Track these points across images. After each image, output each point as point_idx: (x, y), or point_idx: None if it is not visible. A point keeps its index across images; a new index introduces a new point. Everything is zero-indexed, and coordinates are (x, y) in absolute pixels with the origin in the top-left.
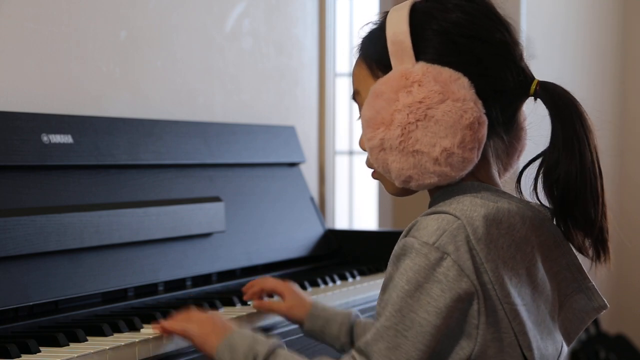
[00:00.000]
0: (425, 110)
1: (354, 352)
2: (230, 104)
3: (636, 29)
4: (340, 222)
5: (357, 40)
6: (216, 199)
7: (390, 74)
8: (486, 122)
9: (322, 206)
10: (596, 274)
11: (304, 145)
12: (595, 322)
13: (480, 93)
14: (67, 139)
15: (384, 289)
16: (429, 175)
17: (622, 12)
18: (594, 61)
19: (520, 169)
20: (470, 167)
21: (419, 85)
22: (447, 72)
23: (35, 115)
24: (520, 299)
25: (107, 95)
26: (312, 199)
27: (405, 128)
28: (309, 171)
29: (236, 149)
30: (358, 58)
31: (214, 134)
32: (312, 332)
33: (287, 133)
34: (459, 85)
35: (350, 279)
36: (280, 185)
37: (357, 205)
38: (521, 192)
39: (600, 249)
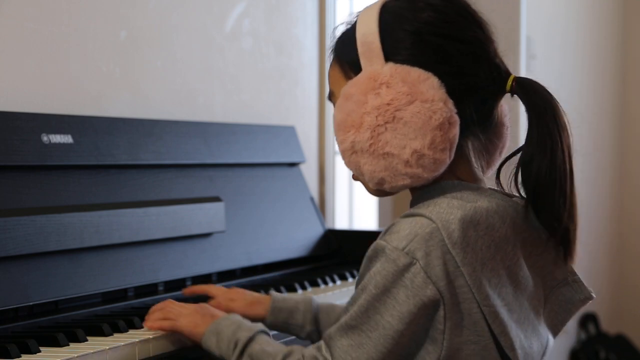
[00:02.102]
0: (394, 112)
1: (322, 342)
2: (230, 104)
3: (636, 29)
4: (340, 222)
5: (332, 41)
6: (216, 199)
7: (359, 75)
8: (458, 122)
9: (322, 206)
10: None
11: (304, 145)
12: (595, 322)
13: (452, 92)
14: (67, 139)
15: (356, 285)
16: (401, 177)
17: (622, 12)
18: (594, 61)
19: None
20: (442, 168)
21: (387, 86)
22: (415, 73)
23: (35, 115)
24: (500, 299)
25: (107, 95)
26: (312, 199)
27: (374, 130)
28: (309, 171)
29: (236, 149)
30: (332, 59)
31: (214, 134)
32: (275, 325)
33: (287, 133)
34: (428, 85)
35: (350, 279)
36: (280, 185)
37: (357, 205)
38: (502, 187)
39: (564, 248)
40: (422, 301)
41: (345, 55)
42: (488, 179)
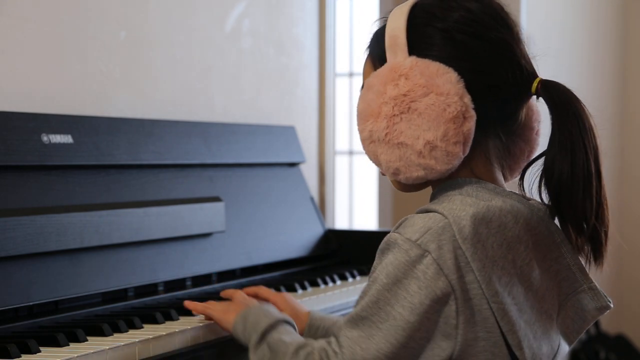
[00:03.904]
0: (409, 103)
1: (332, 337)
2: (231, 104)
3: (636, 28)
4: (340, 222)
5: (367, 37)
6: (216, 199)
7: (382, 67)
8: (473, 117)
9: (322, 206)
10: (590, 273)
11: (304, 145)
12: (595, 322)
13: (471, 88)
14: (67, 139)
15: (369, 279)
16: (414, 168)
17: (622, 13)
18: (594, 61)
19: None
20: (456, 162)
21: (406, 78)
22: (434, 66)
23: (35, 115)
24: (510, 297)
25: (107, 95)
26: (312, 199)
27: (390, 120)
28: (309, 171)
29: (236, 149)
30: (366, 55)
31: (214, 134)
32: None
33: (287, 133)
34: (445, 79)
35: (350, 279)
36: (281, 185)
37: (357, 205)
38: (524, 190)
39: (594, 250)
40: (434, 293)
41: (375, 50)
42: (512, 183)
